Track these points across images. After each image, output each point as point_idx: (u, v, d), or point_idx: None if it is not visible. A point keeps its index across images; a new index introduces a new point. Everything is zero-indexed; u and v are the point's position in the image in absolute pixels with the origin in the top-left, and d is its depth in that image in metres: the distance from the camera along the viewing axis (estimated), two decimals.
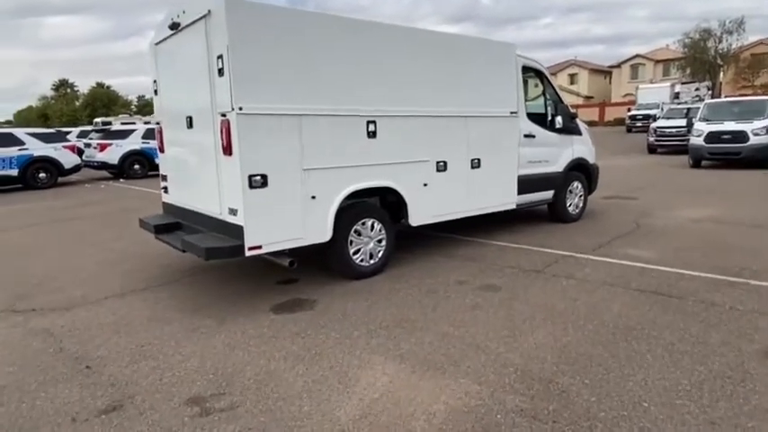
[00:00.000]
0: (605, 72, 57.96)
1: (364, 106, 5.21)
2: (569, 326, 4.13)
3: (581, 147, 8.22)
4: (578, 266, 5.73)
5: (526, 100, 7.26)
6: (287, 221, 4.74)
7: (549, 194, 7.74)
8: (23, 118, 70.88)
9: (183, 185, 5.75)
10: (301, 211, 4.82)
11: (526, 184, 7.21)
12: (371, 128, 5.26)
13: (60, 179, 16.97)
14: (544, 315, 4.36)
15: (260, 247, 4.62)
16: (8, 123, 67.60)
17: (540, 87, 7.74)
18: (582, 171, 8.29)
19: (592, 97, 53.47)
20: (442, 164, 5.99)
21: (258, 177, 4.50)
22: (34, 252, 7.48)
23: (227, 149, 4.48)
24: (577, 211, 8.26)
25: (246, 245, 4.52)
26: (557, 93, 7.85)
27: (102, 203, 12.33)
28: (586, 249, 6.40)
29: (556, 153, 7.74)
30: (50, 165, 16.36)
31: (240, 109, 4.35)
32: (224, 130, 4.47)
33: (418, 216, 5.86)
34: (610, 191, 10.67)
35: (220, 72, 4.42)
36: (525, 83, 7.35)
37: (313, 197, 4.89)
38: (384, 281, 5.44)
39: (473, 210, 6.51)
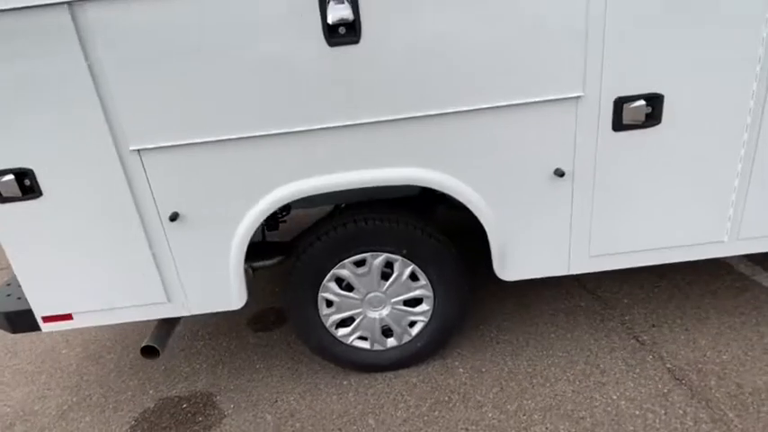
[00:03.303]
0: None
1: None
2: None
3: None
4: None
5: None
6: (113, 270, 2.03)
7: None
8: None
9: None
10: (146, 246, 1.99)
11: None
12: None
13: None
14: None
15: (69, 318, 2.15)
16: None
17: None
18: None
19: None
20: (644, 102, 1.82)
21: (8, 179, 1.85)
22: None
23: None
24: None
25: (36, 312, 2.13)
26: None
27: None
28: None
29: None
30: None
31: None
32: None
33: (524, 260, 2.08)
34: None
35: None
36: None
37: (173, 218, 1.94)
38: (410, 402, 2.23)
39: (735, 243, 2.10)
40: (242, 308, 3.04)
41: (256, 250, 2.55)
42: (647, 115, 1.84)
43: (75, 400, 2.60)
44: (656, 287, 2.75)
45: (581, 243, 2.04)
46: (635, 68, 1.77)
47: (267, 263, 2.49)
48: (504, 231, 2.02)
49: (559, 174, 1.90)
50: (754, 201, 2.00)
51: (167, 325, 2.29)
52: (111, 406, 2.51)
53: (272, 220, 2.82)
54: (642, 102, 1.81)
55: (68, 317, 2.14)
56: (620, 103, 1.82)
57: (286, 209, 2.73)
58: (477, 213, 1.97)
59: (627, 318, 2.55)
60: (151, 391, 2.57)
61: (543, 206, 1.98)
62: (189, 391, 2.53)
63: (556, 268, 2.09)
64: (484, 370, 2.36)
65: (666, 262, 2.10)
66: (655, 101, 1.82)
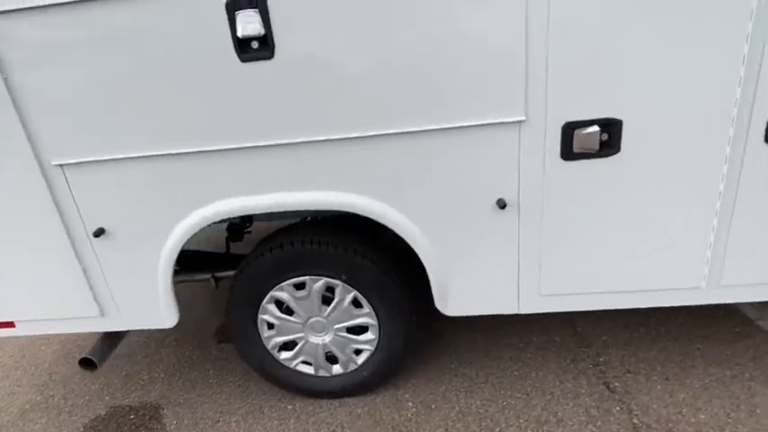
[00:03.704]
0: None
1: None
2: None
3: None
4: None
5: None
6: (47, 282, 2.02)
7: None
8: None
9: None
10: (75, 260, 1.96)
11: None
12: None
13: None
14: None
15: (12, 325, 2.17)
16: None
17: None
18: None
19: None
20: (598, 129, 1.59)
21: None
22: None
23: None
24: None
25: None
26: None
27: None
28: None
29: None
30: None
31: None
32: None
33: (467, 295, 1.90)
34: None
35: None
36: None
37: (98, 234, 1.90)
38: None
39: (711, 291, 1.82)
40: (211, 317, 3.01)
41: (220, 261, 2.50)
42: (603, 143, 1.61)
43: (38, 399, 2.65)
44: (642, 326, 2.47)
45: (530, 281, 1.83)
46: (587, 90, 1.55)
47: (230, 273, 2.43)
48: (444, 263, 1.84)
49: (501, 205, 1.70)
50: (738, 243, 1.72)
51: (110, 339, 2.27)
52: (67, 409, 2.54)
53: (237, 232, 2.76)
54: (596, 128, 1.58)
55: (11, 324, 2.15)
56: (569, 129, 1.60)
57: (249, 220, 2.66)
58: (411, 243, 1.80)
59: (601, 359, 2.30)
60: (107, 398, 2.58)
61: (486, 239, 1.78)
62: (141, 401, 2.51)
63: (503, 306, 1.89)
64: (434, 407, 2.19)
65: (632, 307, 1.86)
66: (611, 127, 1.59)
